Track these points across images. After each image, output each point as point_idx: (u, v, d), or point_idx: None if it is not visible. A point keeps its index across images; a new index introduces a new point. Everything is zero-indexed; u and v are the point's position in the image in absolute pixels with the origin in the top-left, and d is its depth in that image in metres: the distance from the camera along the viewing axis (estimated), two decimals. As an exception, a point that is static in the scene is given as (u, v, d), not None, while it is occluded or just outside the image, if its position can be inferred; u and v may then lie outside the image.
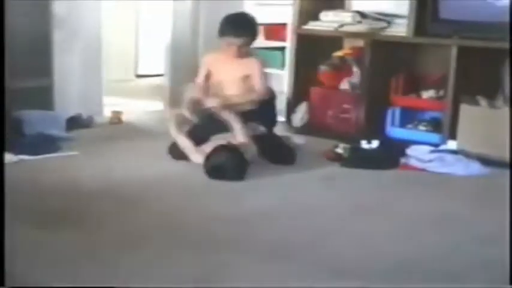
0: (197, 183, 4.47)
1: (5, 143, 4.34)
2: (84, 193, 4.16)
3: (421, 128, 5.70)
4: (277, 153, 4.98)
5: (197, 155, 4.77)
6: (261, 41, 6.62)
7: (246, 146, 4.75)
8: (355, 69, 6.04)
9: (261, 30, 6.60)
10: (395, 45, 5.72)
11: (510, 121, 4.99)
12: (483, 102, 5.22)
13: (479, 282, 3.01)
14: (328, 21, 6.08)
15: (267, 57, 6.52)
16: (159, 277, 2.95)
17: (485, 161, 4.96)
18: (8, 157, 4.69)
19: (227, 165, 4.51)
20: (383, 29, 5.82)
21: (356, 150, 5.14)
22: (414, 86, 5.82)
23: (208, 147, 4.75)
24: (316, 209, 4.04)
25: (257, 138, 4.88)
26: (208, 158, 4.60)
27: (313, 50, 6.19)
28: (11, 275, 2.72)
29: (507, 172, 4.72)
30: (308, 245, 3.42)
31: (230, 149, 4.63)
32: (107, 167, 4.73)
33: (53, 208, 3.83)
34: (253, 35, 5.06)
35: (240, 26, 5.00)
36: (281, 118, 6.30)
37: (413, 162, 5.02)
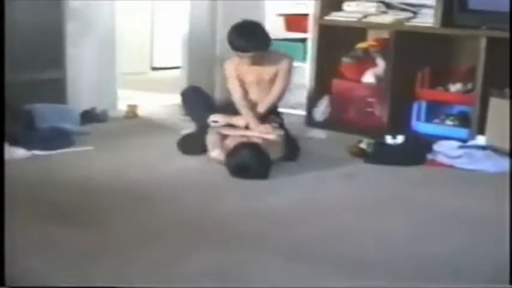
0: (215, 180, 4.50)
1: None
2: (98, 190, 4.20)
3: (449, 122, 5.71)
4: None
5: (217, 151, 4.80)
6: (282, 33, 6.63)
7: (271, 144, 4.79)
8: (379, 61, 6.05)
9: (282, 21, 6.63)
10: (421, 37, 5.71)
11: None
12: (514, 95, 5.23)
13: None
14: (352, 11, 6.09)
15: (288, 49, 6.56)
16: (176, 275, 3.00)
17: (515, 157, 4.96)
18: (21, 152, 4.75)
19: (251, 164, 4.53)
20: (409, 19, 5.81)
21: (380, 145, 5.15)
22: (441, 78, 5.82)
23: (230, 142, 4.80)
24: (339, 207, 4.06)
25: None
26: (231, 155, 4.63)
27: (335, 42, 6.21)
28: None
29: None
30: (329, 244, 3.45)
31: (253, 147, 4.66)
32: (122, 163, 4.78)
33: (67, 205, 3.87)
34: (262, 47, 4.99)
35: (247, 40, 4.93)
36: (302, 112, 6.32)
37: (440, 158, 5.03)
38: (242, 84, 5.10)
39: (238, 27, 4.99)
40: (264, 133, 4.87)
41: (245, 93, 5.10)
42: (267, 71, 5.07)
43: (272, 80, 5.09)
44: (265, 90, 5.11)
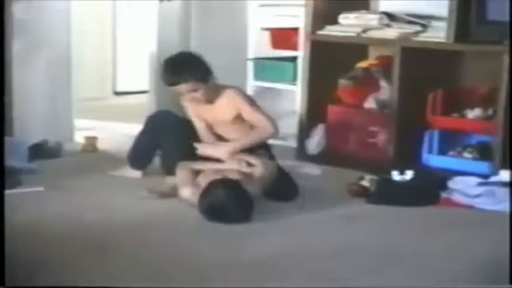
0: (189, 225, 4.47)
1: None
2: (49, 237, 4.15)
3: (466, 155, 5.67)
4: (279, 188, 4.92)
5: (188, 189, 4.75)
6: (268, 51, 6.61)
7: (253, 179, 4.75)
8: (383, 83, 6.03)
9: (267, 36, 6.60)
10: (432, 54, 5.69)
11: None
12: (542, 122, 5.21)
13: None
14: (350, 24, 6.07)
15: (275, 70, 6.54)
16: None
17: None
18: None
19: (229, 205, 4.45)
20: (417, 33, 5.80)
21: (386, 183, 5.13)
22: (456, 103, 5.79)
23: (203, 179, 4.74)
24: (337, 255, 4.01)
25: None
26: (203, 195, 4.56)
27: (331, 61, 6.16)
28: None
29: None
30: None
31: (231, 184, 4.59)
32: (78, 206, 4.73)
33: (12, 254, 3.80)
34: (197, 77, 4.95)
35: (177, 71, 4.98)
36: (292, 144, 6.29)
37: (457, 197, 5.00)
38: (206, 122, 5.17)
39: (168, 60, 5.09)
40: (240, 165, 4.85)
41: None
42: (221, 111, 5.05)
43: (237, 120, 5.05)
44: (231, 132, 5.12)
